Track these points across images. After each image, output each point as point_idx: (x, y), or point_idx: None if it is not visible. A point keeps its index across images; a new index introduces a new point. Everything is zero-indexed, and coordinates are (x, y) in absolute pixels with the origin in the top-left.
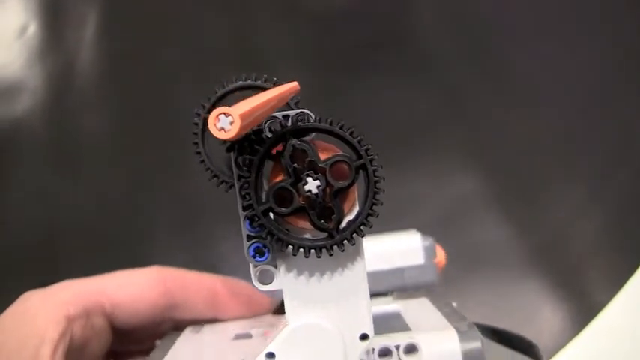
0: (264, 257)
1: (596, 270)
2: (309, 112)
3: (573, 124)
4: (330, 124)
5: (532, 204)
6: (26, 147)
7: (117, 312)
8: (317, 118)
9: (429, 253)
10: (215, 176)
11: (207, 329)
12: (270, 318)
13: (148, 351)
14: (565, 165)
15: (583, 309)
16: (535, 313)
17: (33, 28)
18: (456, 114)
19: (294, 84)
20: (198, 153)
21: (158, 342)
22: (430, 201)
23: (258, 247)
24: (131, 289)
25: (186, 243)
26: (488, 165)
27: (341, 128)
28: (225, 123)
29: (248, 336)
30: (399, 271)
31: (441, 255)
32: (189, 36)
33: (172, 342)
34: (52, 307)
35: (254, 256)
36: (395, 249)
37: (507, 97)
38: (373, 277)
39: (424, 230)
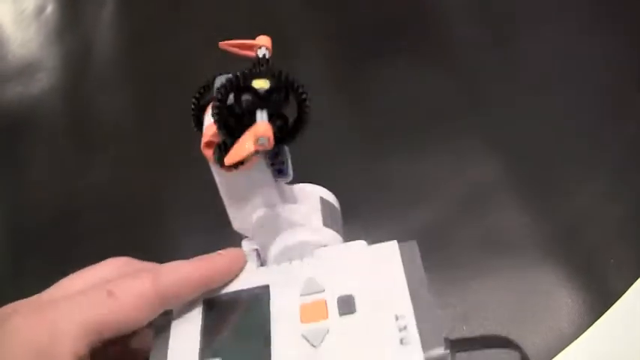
0: (284, 173)
1: (615, 258)
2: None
3: (596, 113)
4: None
5: (552, 191)
6: (45, 125)
7: (116, 335)
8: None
9: None
10: None
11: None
12: None
13: None
14: (586, 153)
15: (601, 296)
16: (553, 298)
17: (51, 8)
18: (478, 100)
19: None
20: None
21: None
22: (451, 186)
23: (279, 170)
24: (131, 313)
25: (205, 220)
26: (509, 151)
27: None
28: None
29: None
30: None
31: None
32: (207, 14)
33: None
34: (63, 349)
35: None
36: None
37: (530, 84)
38: None
39: (444, 214)
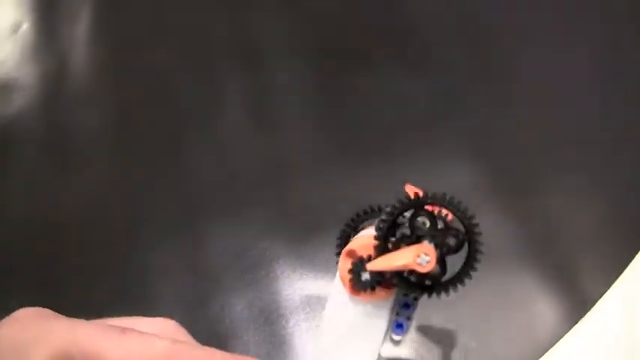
0: (402, 329)
1: (592, 263)
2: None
3: (571, 118)
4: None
5: (529, 196)
6: (22, 144)
7: None
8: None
9: None
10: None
11: None
12: None
13: None
14: (562, 158)
15: (578, 302)
16: (530, 305)
17: (26, 25)
18: (455, 107)
19: None
20: None
21: None
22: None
23: (400, 323)
24: None
25: (181, 240)
26: (486, 157)
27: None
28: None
29: None
30: None
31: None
32: (185, 30)
33: None
34: (44, 353)
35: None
36: None
37: (506, 91)
38: None
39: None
